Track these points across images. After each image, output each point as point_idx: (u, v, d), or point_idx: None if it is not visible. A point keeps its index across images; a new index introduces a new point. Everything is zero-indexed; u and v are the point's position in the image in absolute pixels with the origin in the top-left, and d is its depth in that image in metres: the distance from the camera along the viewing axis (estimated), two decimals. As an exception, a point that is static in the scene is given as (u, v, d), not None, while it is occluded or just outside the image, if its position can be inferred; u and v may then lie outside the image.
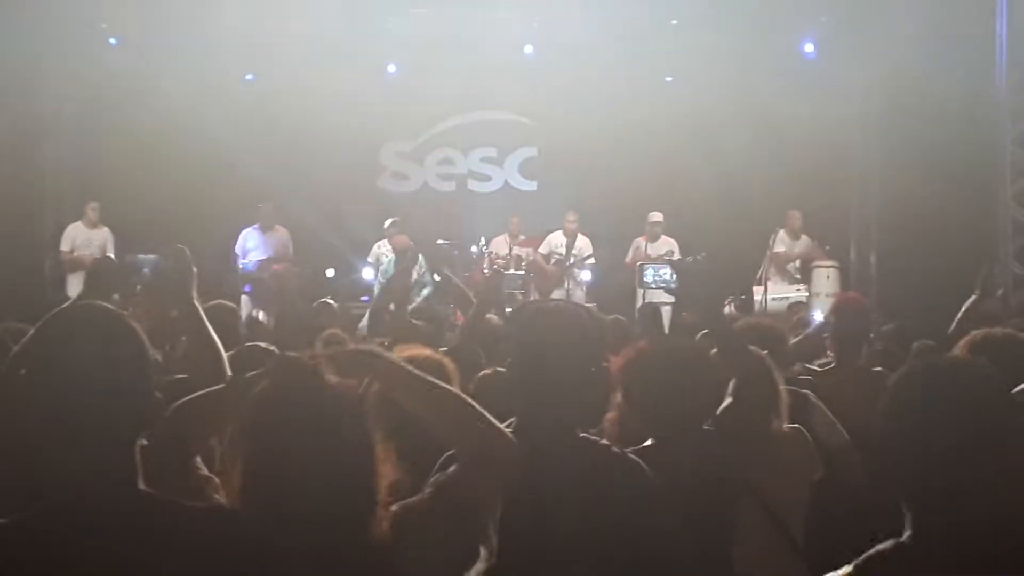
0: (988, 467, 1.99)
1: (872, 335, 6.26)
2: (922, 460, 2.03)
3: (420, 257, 12.24)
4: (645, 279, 11.98)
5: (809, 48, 14.14)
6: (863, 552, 2.06)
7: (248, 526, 2.13)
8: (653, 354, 3.59)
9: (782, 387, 3.79)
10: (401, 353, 3.34)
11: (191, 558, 2.02)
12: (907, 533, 2.04)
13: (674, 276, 12.00)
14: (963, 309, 5.50)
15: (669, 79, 14.86)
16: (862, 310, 5.79)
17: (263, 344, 4.07)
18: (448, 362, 3.42)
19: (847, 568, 2.05)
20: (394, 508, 2.30)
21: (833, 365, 5.38)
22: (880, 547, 2.05)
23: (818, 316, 9.02)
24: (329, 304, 8.07)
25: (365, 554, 2.21)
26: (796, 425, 3.77)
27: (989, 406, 2.03)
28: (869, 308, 6.78)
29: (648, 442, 3.43)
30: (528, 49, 14.48)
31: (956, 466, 1.99)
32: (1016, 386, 2.81)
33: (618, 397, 3.97)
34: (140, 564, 1.99)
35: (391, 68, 14.86)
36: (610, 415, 4.44)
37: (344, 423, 2.23)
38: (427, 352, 3.50)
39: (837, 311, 5.66)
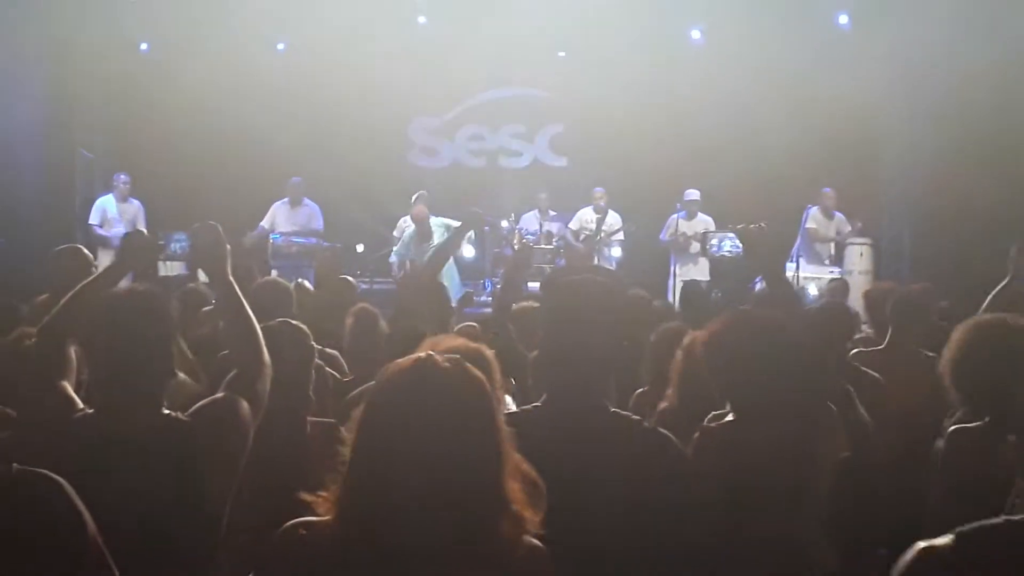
0: None
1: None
2: None
3: (431, 224, 12.03)
4: (711, 248, 12.28)
5: (844, 20, 13.97)
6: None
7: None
8: (739, 326, 3.46)
9: None
10: (441, 346, 3.31)
11: None
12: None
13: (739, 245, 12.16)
14: (992, 294, 5.33)
15: (697, 36, 14.68)
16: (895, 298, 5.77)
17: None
18: (487, 350, 3.28)
19: (948, 537, 1.92)
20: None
21: (883, 346, 5.37)
22: (988, 521, 1.92)
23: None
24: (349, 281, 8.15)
25: None
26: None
27: None
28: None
29: (729, 416, 3.33)
30: (556, 25, 14.37)
31: None
32: None
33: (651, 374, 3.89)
34: None
35: (421, 21, 14.66)
36: (641, 391, 4.37)
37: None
38: (463, 342, 3.42)
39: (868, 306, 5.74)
